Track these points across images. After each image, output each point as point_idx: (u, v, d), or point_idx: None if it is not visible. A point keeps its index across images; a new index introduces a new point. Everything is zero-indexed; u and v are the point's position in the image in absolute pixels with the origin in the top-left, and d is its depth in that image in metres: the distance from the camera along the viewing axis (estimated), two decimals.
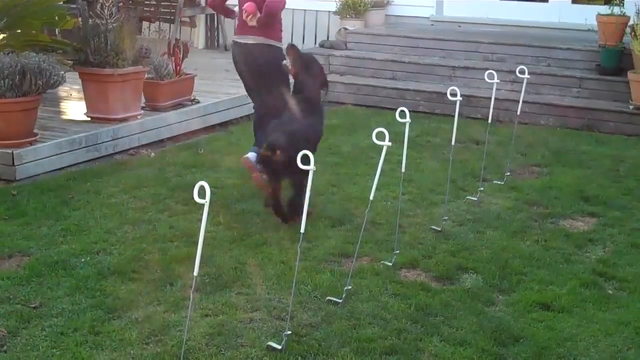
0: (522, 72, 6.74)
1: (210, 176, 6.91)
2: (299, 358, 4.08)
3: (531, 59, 10.05)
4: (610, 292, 4.95)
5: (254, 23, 6.49)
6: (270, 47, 6.56)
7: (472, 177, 7.01)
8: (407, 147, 5.29)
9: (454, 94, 5.87)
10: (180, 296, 4.68)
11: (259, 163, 6.17)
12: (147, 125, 8.01)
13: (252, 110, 7.10)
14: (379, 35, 11.12)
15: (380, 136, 4.64)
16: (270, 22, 6.51)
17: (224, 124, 8.92)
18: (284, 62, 6.31)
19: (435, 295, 4.81)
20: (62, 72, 7.07)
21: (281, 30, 6.74)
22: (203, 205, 3.71)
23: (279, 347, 4.13)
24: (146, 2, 12.57)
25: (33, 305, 4.54)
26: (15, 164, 6.72)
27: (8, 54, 7.05)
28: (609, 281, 5.10)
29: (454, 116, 6.01)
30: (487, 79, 6.43)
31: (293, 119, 6.00)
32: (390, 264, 5.21)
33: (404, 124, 5.17)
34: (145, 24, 12.86)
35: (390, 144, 4.68)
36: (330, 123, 9.02)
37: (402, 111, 5.07)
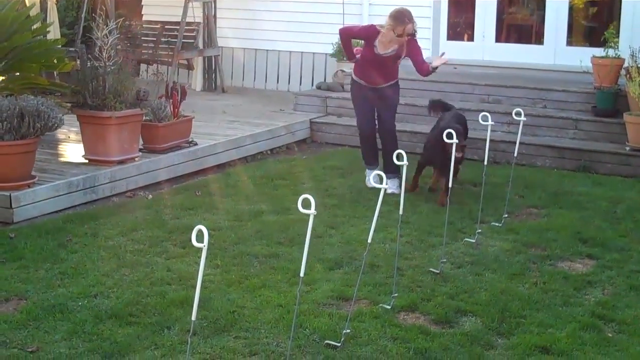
0: (518, 114, 6.77)
1: (207, 218, 6.91)
2: None
3: (527, 101, 10.10)
4: (610, 334, 4.93)
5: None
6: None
7: (470, 219, 7.01)
8: (405, 189, 5.30)
9: (449, 136, 5.90)
10: (178, 340, 4.65)
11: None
12: (144, 167, 8.02)
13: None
14: None
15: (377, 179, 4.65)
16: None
17: (221, 166, 8.94)
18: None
19: (435, 338, 4.79)
20: (61, 115, 7.11)
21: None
22: (201, 248, 3.71)
23: None
24: (144, 45, 12.63)
25: (30, 350, 4.52)
26: (12, 206, 6.72)
27: (6, 96, 7.09)
28: (608, 324, 5.08)
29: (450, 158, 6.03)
30: (481, 121, 6.47)
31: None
32: (389, 307, 5.19)
33: (401, 166, 5.19)
34: (143, 66, 12.94)
35: (387, 186, 4.69)
36: (328, 165, 9.07)
37: (400, 154, 5.09)
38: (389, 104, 8.21)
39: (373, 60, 7.95)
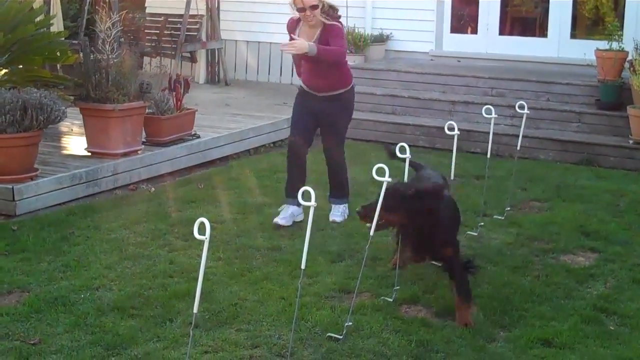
0: (521, 107, 6.76)
1: (210, 211, 6.91)
2: None
3: (530, 94, 10.08)
4: (612, 328, 4.93)
5: None
6: None
7: (473, 212, 7.01)
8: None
9: (451, 129, 5.89)
10: (180, 332, 4.66)
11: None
12: (147, 160, 8.02)
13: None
14: (379, 70, 11.17)
15: (381, 172, 4.65)
16: None
17: (224, 159, 8.93)
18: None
19: (437, 331, 4.79)
20: (63, 108, 7.11)
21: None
22: (203, 241, 3.71)
23: None
24: (147, 38, 12.64)
25: (32, 342, 4.53)
26: (15, 199, 6.72)
27: (10, 89, 7.09)
28: (611, 317, 5.08)
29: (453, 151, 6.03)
30: (484, 114, 6.46)
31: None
32: (390, 300, 5.19)
33: (404, 159, 5.18)
34: (146, 59, 12.93)
35: (390, 179, 4.69)
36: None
37: (402, 147, 5.08)
38: (334, 125, 6.80)
39: (303, 57, 6.56)
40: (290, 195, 6.53)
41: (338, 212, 6.85)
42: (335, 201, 6.91)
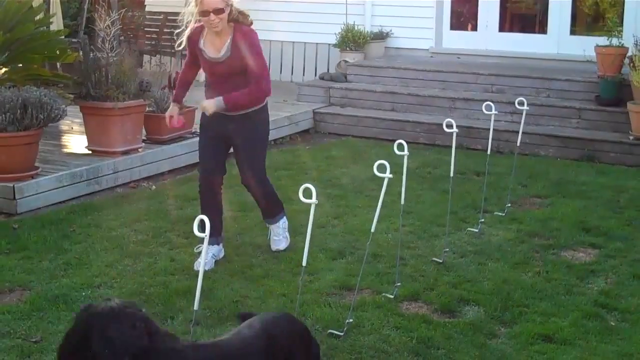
0: (521, 103, 6.76)
1: None
2: None
3: (530, 90, 10.08)
4: (613, 323, 4.93)
5: None
6: None
7: (473, 209, 7.01)
8: (408, 179, 5.30)
9: (449, 126, 5.89)
10: (181, 330, 4.65)
11: None
12: (147, 158, 8.02)
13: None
14: (378, 68, 11.17)
15: (382, 169, 4.66)
16: None
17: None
18: None
19: (437, 327, 4.79)
20: (63, 106, 7.11)
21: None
22: (203, 238, 3.71)
23: None
24: (147, 36, 12.63)
25: (34, 340, 4.53)
26: (16, 197, 6.73)
27: (9, 88, 7.09)
28: (611, 313, 5.08)
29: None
30: (484, 111, 6.46)
31: None
32: (391, 297, 5.19)
33: (404, 156, 5.19)
34: (146, 57, 12.93)
35: (391, 176, 4.69)
36: (331, 155, 9.06)
37: (400, 144, 5.08)
38: (247, 147, 5.77)
39: (210, 73, 5.65)
40: (211, 234, 4.89)
41: (279, 235, 6.03)
42: (272, 220, 6.04)
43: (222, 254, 5.87)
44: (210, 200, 5.83)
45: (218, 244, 5.83)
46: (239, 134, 5.68)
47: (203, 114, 5.73)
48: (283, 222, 6.07)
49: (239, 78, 5.52)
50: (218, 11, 5.35)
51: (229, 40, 5.50)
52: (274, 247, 6.02)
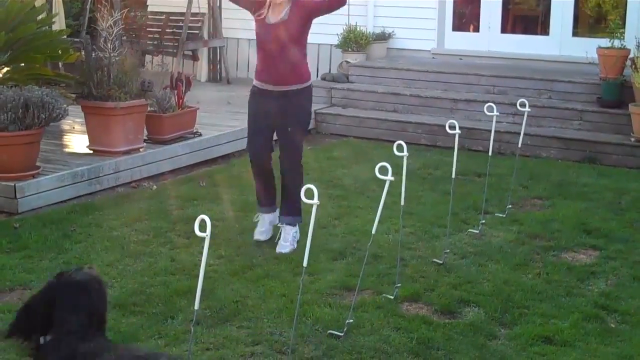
0: (523, 105, 6.75)
1: (211, 209, 6.91)
2: None
3: (532, 92, 10.08)
4: (613, 325, 4.93)
5: None
6: None
7: (474, 210, 7.01)
8: (409, 180, 5.30)
9: (452, 127, 5.89)
10: (182, 330, 4.66)
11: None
12: (149, 158, 8.03)
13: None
14: (380, 68, 11.17)
15: (383, 170, 4.66)
16: None
17: (225, 157, 8.93)
18: None
19: (437, 328, 4.79)
20: (65, 106, 7.11)
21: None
22: (204, 238, 3.71)
23: None
24: (149, 36, 12.64)
25: None
26: (17, 196, 6.73)
27: (11, 87, 7.09)
28: (612, 314, 5.08)
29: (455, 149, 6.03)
30: (486, 112, 6.46)
31: None
32: (392, 297, 5.19)
33: (408, 156, 5.18)
34: (148, 57, 12.94)
35: (393, 178, 4.70)
36: (332, 155, 9.06)
37: (400, 145, 5.07)
38: (295, 124, 6.04)
39: (267, 38, 5.90)
40: (265, 204, 6.22)
41: (287, 240, 6.06)
42: (289, 220, 6.11)
43: (277, 221, 6.27)
44: (262, 177, 6.21)
45: (273, 212, 6.28)
46: (285, 111, 5.98)
47: (252, 94, 6.14)
48: (296, 231, 6.15)
49: (291, 49, 5.90)
50: None
51: (287, 8, 5.87)
52: (279, 249, 6.04)
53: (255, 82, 6.11)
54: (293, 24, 5.87)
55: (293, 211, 6.10)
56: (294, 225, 6.13)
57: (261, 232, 6.24)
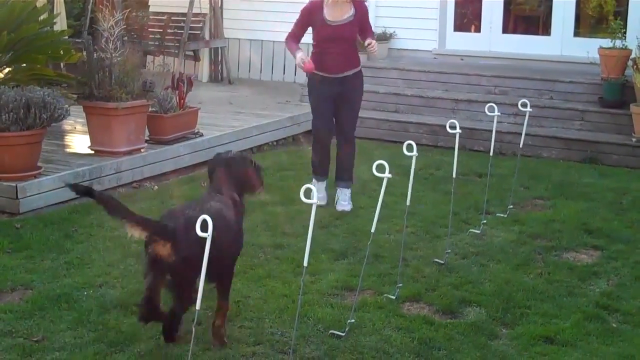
0: (524, 105, 6.75)
1: None
2: None
3: (534, 92, 10.08)
4: (614, 325, 4.93)
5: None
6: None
7: (475, 210, 7.01)
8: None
9: (453, 127, 5.89)
10: (183, 329, 4.66)
11: None
12: (150, 158, 8.03)
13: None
14: (382, 69, 11.17)
15: (381, 169, 4.66)
16: None
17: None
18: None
19: (439, 328, 4.79)
20: (67, 106, 7.11)
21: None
22: (205, 238, 3.72)
23: None
24: (151, 36, 12.64)
25: (35, 339, 4.54)
26: (18, 197, 6.73)
27: (13, 87, 7.09)
28: (613, 314, 5.08)
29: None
30: (487, 112, 6.46)
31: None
32: (393, 298, 5.20)
33: (408, 156, 5.18)
34: (149, 57, 12.94)
35: (390, 176, 4.70)
36: (333, 155, 9.01)
37: (410, 145, 5.08)
38: (352, 104, 7.17)
39: (328, 37, 6.96)
40: (322, 173, 7.33)
41: (346, 199, 7.17)
42: (344, 184, 7.24)
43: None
44: (324, 151, 7.25)
45: (325, 180, 7.36)
46: (346, 93, 7.05)
47: (313, 82, 7.12)
48: (350, 191, 7.23)
49: (346, 44, 7.01)
50: None
51: (352, 11, 6.93)
52: (340, 208, 7.10)
53: (316, 72, 7.00)
54: (355, 23, 6.97)
55: (350, 176, 7.28)
56: (349, 187, 7.23)
57: (321, 198, 6.91)
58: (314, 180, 7.28)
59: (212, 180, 4.84)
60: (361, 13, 7.00)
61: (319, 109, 7.14)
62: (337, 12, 6.92)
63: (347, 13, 6.93)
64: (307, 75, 7.22)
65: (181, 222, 4.20)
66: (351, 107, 7.15)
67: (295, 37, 7.12)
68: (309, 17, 7.04)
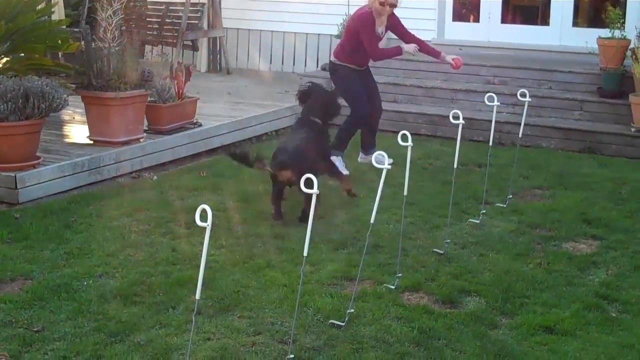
0: (523, 95, 6.75)
1: (212, 199, 6.91)
2: None
3: (532, 82, 10.07)
4: (614, 314, 4.94)
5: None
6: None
7: (475, 200, 7.01)
8: (409, 170, 5.30)
9: (456, 117, 5.89)
10: (183, 319, 4.67)
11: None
12: (149, 148, 8.02)
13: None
14: None
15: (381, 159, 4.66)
16: None
17: (226, 147, 8.92)
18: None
19: (438, 318, 4.80)
20: (65, 96, 7.10)
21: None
22: (205, 228, 3.71)
23: None
24: (149, 26, 12.61)
25: (35, 329, 4.54)
26: (17, 187, 6.73)
27: (11, 77, 7.08)
28: (612, 304, 5.09)
29: (455, 139, 6.02)
30: (487, 102, 6.45)
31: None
32: (392, 287, 5.20)
33: (406, 146, 5.18)
34: (148, 47, 12.92)
35: (389, 167, 4.69)
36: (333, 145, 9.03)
37: (404, 135, 5.08)
38: (375, 84, 8.49)
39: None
40: (374, 144, 8.44)
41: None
42: (371, 151, 8.06)
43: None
44: (369, 126, 8.39)
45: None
46: (367, 75, 8.33)
47: (349, 72, 8.11)
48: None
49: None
50: (393, 4, 7.96)
51: (385, 21, 7.99)
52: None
53: (343, 63, 8.10)
54: (384, 34, 8.19)
55: (375, 142, 8.44)
56: (373, 153, 7.54)
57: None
58: (342, 157, 8.15)
59: (302, 108, 7.22)
60: (392, 20, 8.05)
61: (363, 97, 8.12)
62: (379, 23, 7.96)
63: (382, 22, 7.99)
64: (339, 72, 8.15)
65: (291, 153, 6.48)
66: (374, 82, 8.45)
67: (376, 44, 8.06)
68: (371, 27, 7.93)
